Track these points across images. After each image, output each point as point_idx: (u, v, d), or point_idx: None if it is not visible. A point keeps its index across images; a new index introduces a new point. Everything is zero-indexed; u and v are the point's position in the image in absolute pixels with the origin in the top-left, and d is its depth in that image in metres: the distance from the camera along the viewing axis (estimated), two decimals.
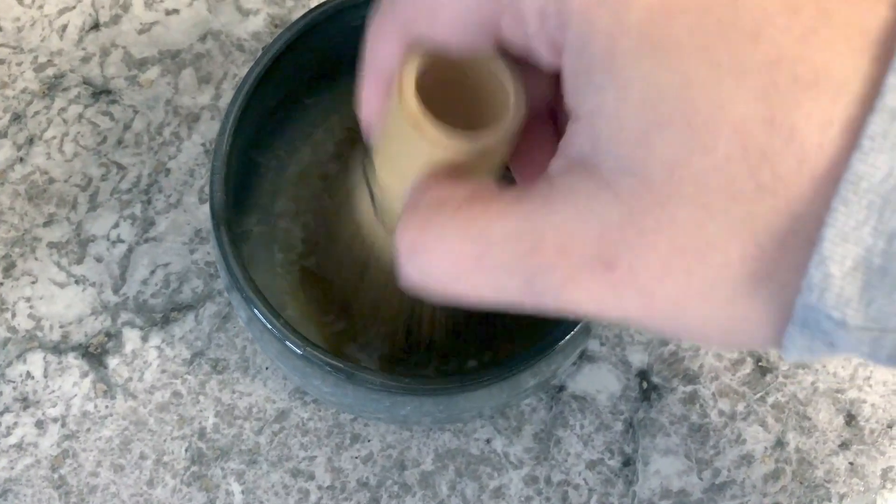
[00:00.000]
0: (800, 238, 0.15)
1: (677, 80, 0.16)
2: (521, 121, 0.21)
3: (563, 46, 0.18)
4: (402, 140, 0.21)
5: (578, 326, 0.29)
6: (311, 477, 0.35)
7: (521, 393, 0.31)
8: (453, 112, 0.21)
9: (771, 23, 0.15)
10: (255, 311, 0.29)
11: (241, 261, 0.30)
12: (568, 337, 0.29)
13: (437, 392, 0.29)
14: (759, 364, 0.37)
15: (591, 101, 0.17)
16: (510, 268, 0.18)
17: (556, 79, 0.22)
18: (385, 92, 0.21)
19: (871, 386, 0.37)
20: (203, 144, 0.39)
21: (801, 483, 0.36)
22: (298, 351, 0.29)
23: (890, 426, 0.37)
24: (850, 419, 0.37)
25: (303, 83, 0.35)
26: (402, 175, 0.22)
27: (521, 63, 0.21)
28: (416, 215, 0.19)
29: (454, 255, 0.18)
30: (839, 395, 0.37)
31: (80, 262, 0.37)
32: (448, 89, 0.21)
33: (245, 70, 0.39)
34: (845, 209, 0.15)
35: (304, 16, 0.32)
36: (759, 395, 0.37)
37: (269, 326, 0.29)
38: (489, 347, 0.34)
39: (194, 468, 0.35)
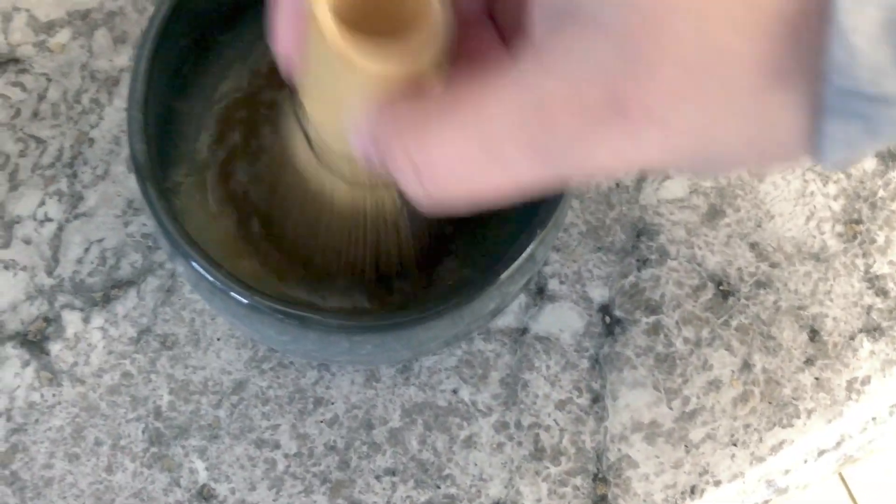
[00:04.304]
0: (815, 18, 0.14)
1: None
2: (450, 21, 0.19)
3: None
4: (329, 74, 0.19)
5: (528, 251, 0.28)
6: (277, 446, 0.34)
7: (479, 319, 0.30)
8: (375, 31, 0.20)
9: None
10: (197, 266, 0.27)
11: (176, 217, 0.28)
12: (520, 259, 0.28)
13: (396, 326, 0.28)
14: (720, 288, 0.37)
15: None
16: (520, 144, 0.17)
17: None
18: (301, 21, 0.19)
19: (832, 300, 0.37)
20: (126, 109, 0.37)
21: (769, 403, 0.36)
22: (245, 300, 0.28)
23: (852, 338, 0.37)
24: (814, 335, 0.37)
25: (215, 20, 0.33)
26: (336, 109, 0.21)
27: None
28: (404, 138, 0.18)
29: (460, 153, 0.17)
30: (801, 312, 0.37)
31: (6, 246, 0.35)
32: (364, 12, 0.20)
33: None
34: None
35: None
36: (722, 320, 0.37)
37: (212, 278, 0.27)
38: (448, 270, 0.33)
39: (154, 449, 0.34)
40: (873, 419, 0.37)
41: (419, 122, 0.18)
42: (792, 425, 0.36)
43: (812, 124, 0.15)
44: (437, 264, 0.33)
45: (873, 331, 0.37)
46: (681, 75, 0.15)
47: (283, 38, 0.20)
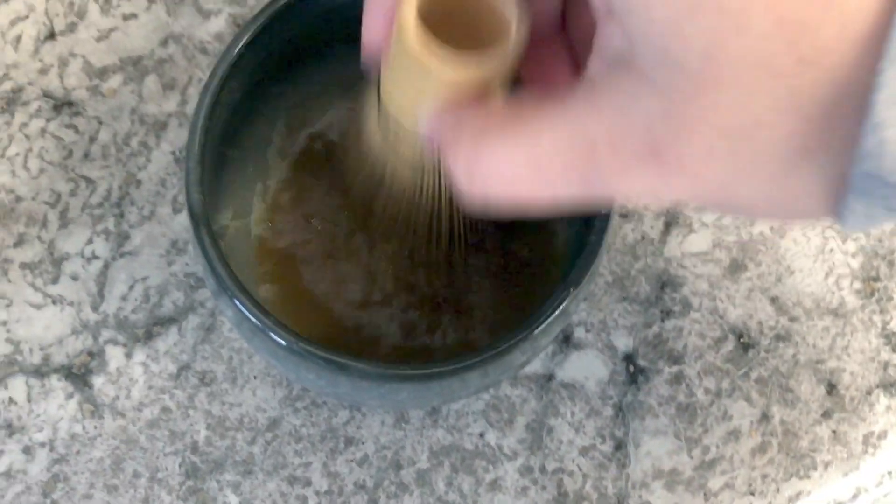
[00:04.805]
0: (849, 107, 0.15)
1: None
2: (523, 42, 0.22)
3: None
4: (407, 68, 0.22)
5: (561, 308, 0.29)
6: (308, 483, 0.35)
7: (511, 370, 0.31)
8: (456, 35, 0.22)
9: None
10: (247, 312, 0.29)
11: (225, 261, 0.29)
12: (553, 316, 0.29)
13: (432, 377, 0.29)
14: (741, 340, 0.38)
15: None
16: (564, 169, 0.19)
17: None
18: (389, 18, 0.22)
19: (849, 355, 0.38)
20: (173, 153, 0.38)
21: (787, 454, 0.37)
22: (285, 343, 0.29)
23: (869, 392, 0.38)
24: (831, 388, 0.38)
25: (268, 73, 0.35)
26: (411, 102, 0.23)
27: None
28: (463, 143, 0.20)
29: (509, 166, 0.19)
30: (819, 366, 0.38)
31: (55, 281, 0.37)
32: (449, 18, 0.22)
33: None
34: (894, 70, 0.14)
35: (267, 6, 0.32)
36: (742, 371, 0.38)
37: (258, 323, 0.29)
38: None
39: (190, 483, 0.35)
40: (889, 473, 0.37)
41: (478, 131, 0.20)
42: (809, 477, 0.37)
43: (835, 197, 0.17)
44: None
45: (890, 386, 0.38)
46: (715, 138, 0.17)
47: (372, 27, 0.23)
